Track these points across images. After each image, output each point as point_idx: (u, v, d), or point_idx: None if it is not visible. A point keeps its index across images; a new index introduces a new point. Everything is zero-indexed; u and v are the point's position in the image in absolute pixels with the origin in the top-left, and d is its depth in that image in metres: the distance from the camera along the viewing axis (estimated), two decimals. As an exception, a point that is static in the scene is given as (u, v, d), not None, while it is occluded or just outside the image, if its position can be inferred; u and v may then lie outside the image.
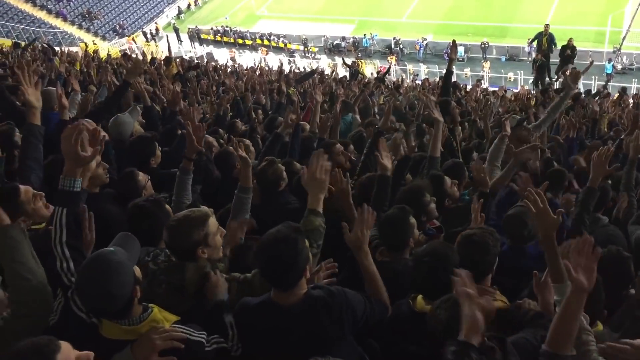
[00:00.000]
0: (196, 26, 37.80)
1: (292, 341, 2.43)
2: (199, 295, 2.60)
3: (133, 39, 34.81)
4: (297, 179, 4.16)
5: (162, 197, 3.43)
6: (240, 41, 35.52)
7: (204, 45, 35.70)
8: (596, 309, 2.68)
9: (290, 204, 4.14)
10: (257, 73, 16.61)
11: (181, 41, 35.63)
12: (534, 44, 19.18)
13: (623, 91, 18.48)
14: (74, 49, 26.88)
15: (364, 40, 33.32)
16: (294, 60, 32.16)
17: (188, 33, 36.71)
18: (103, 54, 21.43)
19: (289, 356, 2.41)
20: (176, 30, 36.20)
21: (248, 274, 2.84)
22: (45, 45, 17.43)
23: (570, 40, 17.97)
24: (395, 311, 2.90)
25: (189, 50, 34.44)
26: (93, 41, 33.14)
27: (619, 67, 27.24)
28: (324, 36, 34.74)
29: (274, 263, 2.40)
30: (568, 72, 15.78)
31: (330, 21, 36.76)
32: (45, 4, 36.75)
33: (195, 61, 21.28)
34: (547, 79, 18.32)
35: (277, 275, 2.42)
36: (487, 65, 28.57)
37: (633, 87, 22.73)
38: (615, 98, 16.20)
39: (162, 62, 14.80)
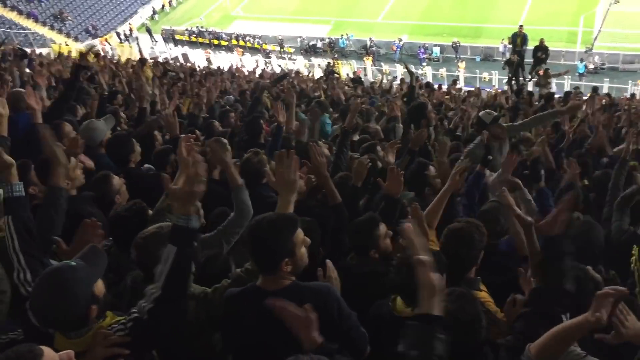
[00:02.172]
0: (171, 27, 37.44)
1: (275, 328, 2.32)
2: None
3: (106, 40, 34.32)
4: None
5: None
6: (216, 42, 35.29)
7: (179, 45, 35.36)
8: None
9: (272, 198, 4.02)
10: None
11: (155, 42, 35.24)
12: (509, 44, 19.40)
13: (594, 91, 18.68)
14: (45, 50, 26.47)
15: (340, 40, 33.37)
16: (270, 61, 32.05)
17: (162, 34, 36.33)
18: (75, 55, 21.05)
19: (271, 345, 2.36)
20: (149, 31, 35.80)
21: (208, 289, 2.73)
22: (16, 47, 17.05)
23: (541, 40, 18.15)
24: (375, 312, 2.89)
25: (163, 51, 34.07)
26: (65, 42, 32.60)
27: (591, 66, 27.76)
28: (300, 37, 34.70)
29: (253, 233, 2.50)
30: (541, 72, 16.11)
31: (306, 22, 36.74)
32: (16, 4, 36.00)
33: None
34: (521, 78, 18.49)
35: (255, 250, 2.50)
36: (462, 65, 28.83)
37: (605, 86, 23.12)
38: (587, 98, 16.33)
39: (137, 63, 14.61)
